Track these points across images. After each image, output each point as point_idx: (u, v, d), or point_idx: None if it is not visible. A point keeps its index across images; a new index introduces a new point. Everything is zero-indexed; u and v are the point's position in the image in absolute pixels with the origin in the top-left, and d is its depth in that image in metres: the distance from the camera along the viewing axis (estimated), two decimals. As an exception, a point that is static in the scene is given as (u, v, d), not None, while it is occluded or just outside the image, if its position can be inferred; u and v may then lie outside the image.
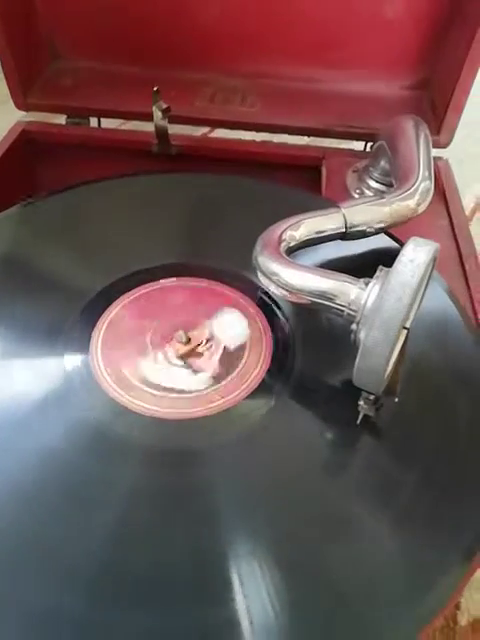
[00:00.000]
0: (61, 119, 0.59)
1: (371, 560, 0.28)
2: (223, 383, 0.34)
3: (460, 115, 0.52)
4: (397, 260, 0.29)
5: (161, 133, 0.53)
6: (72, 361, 0.35)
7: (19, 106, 0.57)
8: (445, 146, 0.54)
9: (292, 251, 0.36)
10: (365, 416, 0.32)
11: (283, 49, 0.56)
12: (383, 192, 0.47)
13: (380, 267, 0.31)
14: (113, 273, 0.40)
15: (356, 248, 0.40)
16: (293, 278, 0.33)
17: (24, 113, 0.58)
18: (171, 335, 0.36)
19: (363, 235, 0.39)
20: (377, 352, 0.28)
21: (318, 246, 0.38)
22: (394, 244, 0.42)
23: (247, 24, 0.55)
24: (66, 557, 0.27)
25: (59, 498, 0.29)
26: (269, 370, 0.35)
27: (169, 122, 0.52)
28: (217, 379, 0.34)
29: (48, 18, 0.57)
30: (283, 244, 0.35)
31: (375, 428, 0.32)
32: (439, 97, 0.54)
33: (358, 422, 0.32)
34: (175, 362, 0.35)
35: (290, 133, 0.57)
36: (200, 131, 0.66)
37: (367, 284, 0.31)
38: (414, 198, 0.39)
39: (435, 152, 0.44)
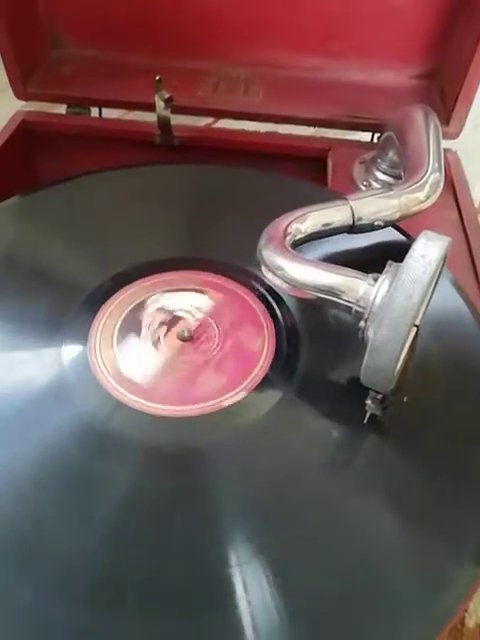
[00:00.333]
0: (61, 109, 0.58)
1: (377, 562, 0.27)
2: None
3: (470, 105, 0.51)
4: (408, 255, 0.28)
5: (163, 123, 0.52)
6: (70, 355, 0.34)
7: (19, 96, 0.56)
8: (455, 137, 0.53)
9: (298, 244, 0.35)
10: (372, 415, 0.31)
11: (288, 37, 0.55)
12: (391, 184, 0.46)
13: (390, 262, 0.30)
14: (113, 266, 0.39)
15: (362, 242, 0.39)
16: (299, 273, 0.32)
17: (24, 103, 0.57)
18: (172, 330, 0.35)
19: (371, 228, 0.38)
20: (386, 351, 0.27)
21: (322, 240, 0.37)
22: (402, 237, 0.41)
23: (251, 12, 0.54)
24: (63, 555, 0.27)
25: (55, 494, 0.29)
26: (272, 367, 0.34)
27: (171, 112, 0.51)
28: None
29: (48, 6, 0.56)
30: (288, 237, 0.34)
31: (382, 427, 0.31)
32: (449, 87, 0.53)
33: (365, 421, 0.31)
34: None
35: (295, 124, 0.56)
36: (203, 122, 0.65)
37: (376, 279, 0.30)
38: (424, 190, 0.38)
39: (444, 143, 0.43)
